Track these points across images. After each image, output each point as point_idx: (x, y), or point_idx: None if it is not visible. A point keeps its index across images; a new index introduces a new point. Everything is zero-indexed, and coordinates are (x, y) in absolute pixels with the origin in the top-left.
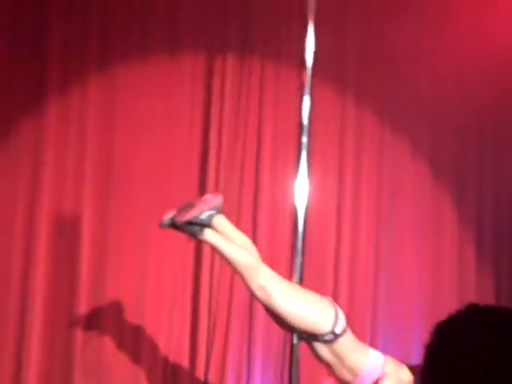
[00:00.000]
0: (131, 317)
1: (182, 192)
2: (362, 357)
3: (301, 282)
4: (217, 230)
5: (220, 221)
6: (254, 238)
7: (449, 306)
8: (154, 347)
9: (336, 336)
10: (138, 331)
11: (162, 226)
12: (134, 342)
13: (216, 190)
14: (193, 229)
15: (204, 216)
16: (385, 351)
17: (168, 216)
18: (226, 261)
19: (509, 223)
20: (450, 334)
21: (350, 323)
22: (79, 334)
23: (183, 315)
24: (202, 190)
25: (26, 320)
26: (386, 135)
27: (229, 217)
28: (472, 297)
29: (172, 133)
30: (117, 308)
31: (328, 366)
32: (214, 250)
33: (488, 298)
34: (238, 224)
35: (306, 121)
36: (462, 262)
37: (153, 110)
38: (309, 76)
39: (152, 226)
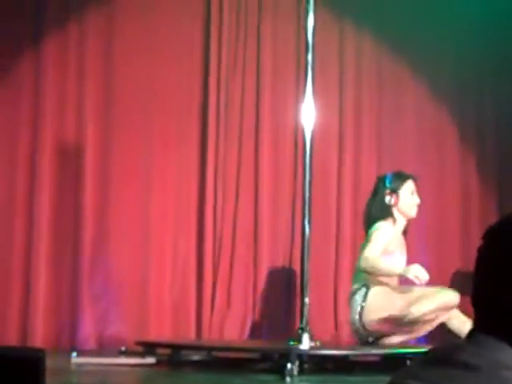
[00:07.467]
0: (137, 242)
1: (181, 115)
2: None
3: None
4: None
5: None
6: (257, 160)
7: (453, 229)
8: (161, 271)
9: None
10: (144, 256)
11: None
12: (142, 266)
13: (217, 111)
14: None
15: None
16: None
17: None
18: None
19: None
20: (503, 234)
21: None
22: (86, 261)
23: (189, 240)
24: (204, 116)
25: (32, 247)
26: (384, 59)
27: (231, 139)
28: (476, 215)
29: (172, 53)
30: (122, 234)
31: None
32: None
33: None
34: (240, 145)
35: (310, 38)
36: (465, 184)
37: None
38: None
39: (154, 151)
